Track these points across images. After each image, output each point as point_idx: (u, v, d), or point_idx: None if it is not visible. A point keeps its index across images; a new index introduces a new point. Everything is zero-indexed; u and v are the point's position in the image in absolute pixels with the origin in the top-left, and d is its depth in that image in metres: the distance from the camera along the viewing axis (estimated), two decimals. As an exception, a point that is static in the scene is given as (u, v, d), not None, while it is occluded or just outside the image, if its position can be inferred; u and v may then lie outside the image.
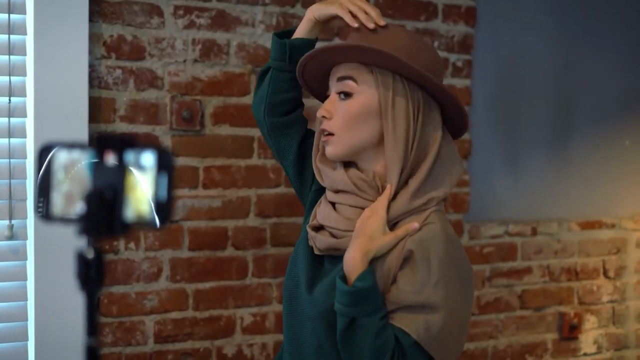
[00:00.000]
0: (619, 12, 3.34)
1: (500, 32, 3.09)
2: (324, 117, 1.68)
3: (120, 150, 1.08)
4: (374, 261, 1.59)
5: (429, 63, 1.66)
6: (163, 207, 1.06)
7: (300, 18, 2.67)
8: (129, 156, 1.08)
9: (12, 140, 2.32)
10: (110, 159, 1.08)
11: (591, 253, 3.30)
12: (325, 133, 1.68)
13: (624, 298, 3.39)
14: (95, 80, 2.45)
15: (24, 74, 2.33)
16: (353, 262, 1.56)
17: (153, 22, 2.52)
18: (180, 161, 2.56)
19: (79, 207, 1.06)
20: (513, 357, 3.16)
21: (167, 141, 2.54)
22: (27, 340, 2.38)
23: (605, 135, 3.33)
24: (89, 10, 2.40)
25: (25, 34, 2.33)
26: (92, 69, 2.43)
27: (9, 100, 2.31)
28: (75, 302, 2.39)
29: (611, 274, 3.35)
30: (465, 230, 3.03)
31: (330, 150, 1.69)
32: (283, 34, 1.85)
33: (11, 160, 2.32)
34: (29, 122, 2.34)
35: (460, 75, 3.00)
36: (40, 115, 2.32)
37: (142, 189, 1.07)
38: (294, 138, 1.85)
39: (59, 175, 1.10)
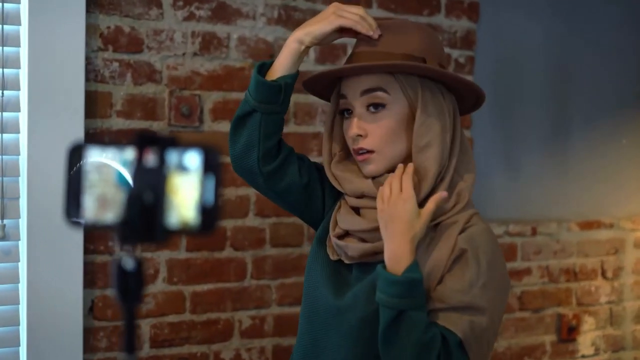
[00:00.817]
0: (621, 9, 3.29)
1: (502, 28, 3.03)
2: (359, 135, 1.59)
3: (162, 149, 0.99)
4: (419, 258, 1.52)
5: (440, 53, 1.64)
6: (210, 211, 0.97)
7: (303, 11, 2.60)
8: (172, 156, 0.99)
9: (5, 135, 2.21)
10: (151, 159, 0.99)
11: (590, 253, 3.25)
12: (363, 152, 1.60)
13: (621, 299, 3.34)
14: (91, 73, 2.34)
15: (18, 66, 2.22)
16: (401, 252, 1.47)
17: (152, 14, 2.42)
18: (178, 158, 2.46)
19: (116, 213, 0.96)
20: (512, 359, 3.10)
21: (164, 137, 2.44)
22: (19, 345, 2.27)
23: (602, 133, 3.28)
24: (86, 0, 2.29)
25: (19, 24, 2.22)
26: (88, 61, 2.33)
27: (2, 93, 2.20)
28: (69, 305, 2.29)
29: (609, 274, 3.30)
30: (465, 230, 2.96)
31: (371, 169, 1.61)
32: (261, 68, 1.65)
33: (3, 156, 2.21)
34: (22, 117, 2.23)
35: (462, 71, 2.93)
36: (34, 110, 2.22)
37: (186, 191, 0.98)
38: (293, 174, 1.70)
39: (92, 177, 1.01)
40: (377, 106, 1.58)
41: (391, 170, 1.60)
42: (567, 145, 3.20)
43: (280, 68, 1.63)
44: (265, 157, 1.65)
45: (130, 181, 0.98)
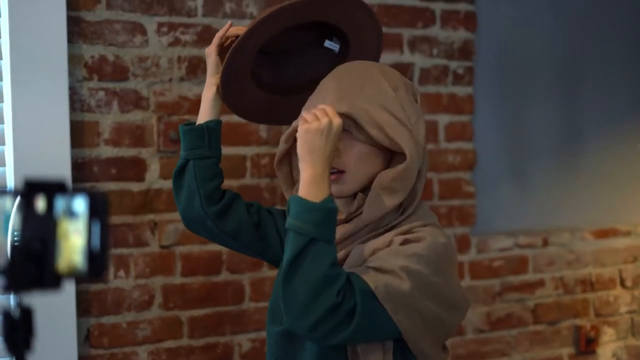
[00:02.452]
0: (627, 9, 3.21)
1: (502, 36, 2.98)
2: None
3: (50, 196, 0.98)
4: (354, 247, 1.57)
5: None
6: (97, 256, 0.96)
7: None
8: (60, 202, 0.98)
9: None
10: (39, 205, 0.98)
11: (606, 262, 3.17)
12: (334, 171, 1.59)
13: (643, 308, 3.26)
14: (77, 103, 2.35)
15: (1, 100, 2.24)
16: (315, 182, 1.47)
17: (136, 41, 2.42)
18: (170, 184, 2.44)
19: (2, 261, 0.95)
20: (528, 374, 3.04)
21: (154, 164, 2.44)
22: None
23: (615, 138, 3.20)
24: (68, 31, 2.31)
25: (1, 58, 2.24)
26: (73, 91, 2.34)
27: (-14, 128, 2.23)
28: (64, 334, 2.30)
29: (628, 283, 3.22)
30: (472, 243, 2.91)
31: (340, 189, 1.61)
32: (187, 125, 1.77)
33: (-10, 190, 2.23)
34: (8, 150, 2.25)
35: (461, 82, 2.88)
36: (20, 142, 2.23)
37: (73, 237, 0.97)
38: (241, 213, 1.76)
39: (-15, 225, 1.00)
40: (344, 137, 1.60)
41: (361, 191, 1.61)
42: (578, 150, 3.13)
43: (201, 117, 1.77)
44: (208, 200, 1.73)
45: (18, 228, 0.97)
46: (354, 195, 1.62)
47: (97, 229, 0.96)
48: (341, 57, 1.79)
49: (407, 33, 2.78)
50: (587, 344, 3.12)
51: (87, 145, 2.37)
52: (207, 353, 2.52)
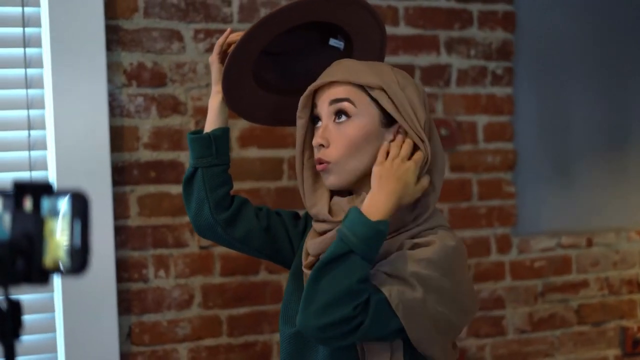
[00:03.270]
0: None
1: (543, 35, 2.96)
2: (321, 145, 1.63)
3: (37, 196, 1.04)
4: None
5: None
6: (78, 253, 1.02)
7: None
8: (46, 203, 1.04)
9: (34, 173, 2.33)
10: (27, 205, 1.04)
11: (655, 263, 3.13)
12: (322, 162, 1.63)
13: (694, 309, 3.20)
14: (116, 109, 2.44)
15: (43, 107, 2.34)
16: (383, 205, 1.52)
17: (173, 48, 2.50)
18: (208, 186, 2.52)
19: (-7, 257, 1.02)
20: (572, 375, 3.02)
21: (193, 167, 2.51)
22: (57, 372, 2.39)
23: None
24: (107, 39, 2.40)
25: (42, 67, 2.34)
26: (113, 97, 2.43)
27: (29, 133, 2.32)
28: (105, 332, 2.39)
29: (678, 284, 3.17)
30: (513, 244, 2.91)
31: (330, 181, 1.64)
32: (195, 133, 1.81)
33: (34, 193, 2.33)
34: (50, 155, 2.34)
35: (500, 83, 2.89)
36: (61, 148, 2.33)
37: (58, 235, 1.03)
38: (250, 219, 1.79)
39: (-21, 224, 1.07)
40: (341, 115, 1.61)
41: (354, 184, 1.64)
42: (623, 149, 3.10)
43: (208, 125, 1.79)
44: (217, 207, 1.76)
45: (8, 226, 1.04)
46: (358, 192, 1.65)
47: (78, 227, 1.02)
48: (346, 56, 1.81)
49: (443, 35, 2.80)
50: (633, 345, 3.08)
51: (127, 149, 2.45)
52: (246, 351, 2.58)
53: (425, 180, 1.60)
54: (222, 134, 1.78)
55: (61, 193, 1.04)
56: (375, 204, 1.52)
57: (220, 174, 1.77)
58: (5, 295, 1.03)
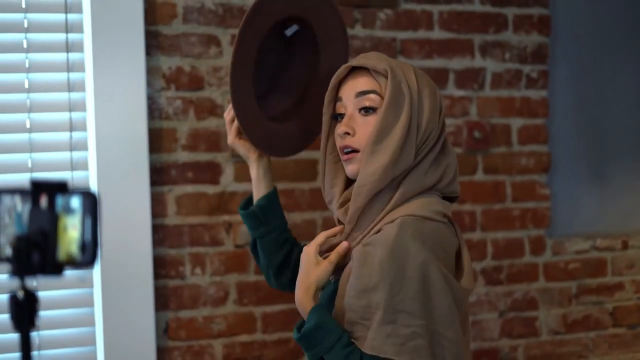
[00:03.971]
0: None
1: (579, 39, 2.98)
2: (346, 133, 1.67)
3: (52, 194, 1.12)
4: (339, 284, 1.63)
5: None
6: (89, 247, 1.10)
7: (361, 39, 2.68)
8: (60, 201, 1.12)
9: (75, 173, 2.43)
10: (43, 203, 1.12)
11: (692, 266, 3.12)
12: (348, 150, 1.67)
13: None
14: (155, 111, 2.53)
15: (84, 110, 2.44)
16: (301, 302, 1.62)
17: (211, 52, 2.58)
18: (244, 187, 2.60)
19: (9, 250, 1.10)
20: (606, 377, 3.03)
21: (229, 168, 2.59)
22: (96, 364, 2.48)
23: None
24: (146, 44, 2.49)
25: (84, 71, 2.44)
26: (152, 100, 2.52)
27: (70, 135, 2.43)
28: (143, 327, 2.47)
29: None
30: (547, 246, 2.93)
31: (353, 168, 1.68)
32: (246, 204, 1.92)
33: (76, 192, 2.43)
34: (91, 155, 2.44)
35: (535, 86, 2.91)
36: (102, 149, 2.42)
37: (71, 231, 1.11)
38: None
39: (5, 219, 1.15)
40: (369, 110, 1.66)
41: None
42: (662, 153, 3.10)
43: (255, 195, 1.90)
44: (279, 271, 1.91)
45: (26, 222, 1.12)
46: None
47: (89, 224, 1.10)
48: (314, 57, 1.91)
49: (478, 38, 2.83)
50: (670, 348, 3.08)
51: (165, 150, 2.54)
52: (280, 347, 2.65)
53: (333, 255, 1.66)
54: (267, 201, 1.87)
55: (74, 192, 1.12)
56: (298, 306, 1.64)
57: (276, 239, 1.88)
58: (22, 285, 1.11)
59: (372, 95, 1.66)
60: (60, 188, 1.12)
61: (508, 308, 2.90)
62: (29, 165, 2.41)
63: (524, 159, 2.91)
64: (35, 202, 1.12)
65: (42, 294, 2.38)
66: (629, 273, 3.04)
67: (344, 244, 1.65)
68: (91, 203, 1.10)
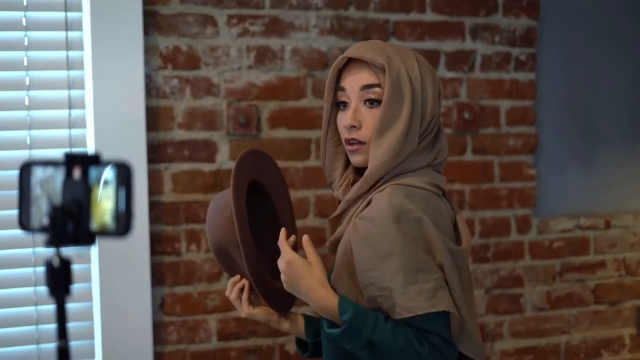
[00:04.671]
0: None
1: (568, 23, 3.04)
2: (353, 126, 1.70)
3: (85, 167, 1.16)
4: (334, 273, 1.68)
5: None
6: (123, 218, 1.14)
7: (355, 20, 2.73)
8: (93, 172, 1.16)
9: (73, 150, 2.46)
10: (76, 175, 1.16)
11: (672, 245, 3.21)
12: (354, 142, 1.71)
13: None
14: (153, 90, 2.56)
15: (83, 88, 2.47)
16: (322, 300, 1.64)
17: (207, 32, 2.61)
18: (239, 165, 2.64)
19: (45, 220, 1.14)
20: (588, 352, 3.11)
21: (224, 146, 2.63)
22: (94, 339, 2.52)
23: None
24: (144, 23, 2.51)
25: (83, 49, 2.46)
26: (149, 79, 2.55)
27: (69, 112, 2.45)
28: (139, 302, 2.51)
29: (695, 266, 3.25)
30: (533, 225, 3.01)
31: (359, 160, 1.72)
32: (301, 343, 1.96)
33: (75, 169, 2.46)
34: (89, 133, 2.47)
35: (524, 69, 2.97)
36: (99, 126, 2.45)
37: (105, 202, 1.15)
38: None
39: (36, 190, 1.19)
40: (374, 102, 1.69)
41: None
42: (645, 136, 3.18)
43: (298, 332, 1.94)
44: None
45: (61, 193, 1.16)
46: None
47: (122, 194, 1.14)
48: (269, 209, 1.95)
49: (469, 21, 2.89)
50: (650, 325, 3.17)
51: (162, 128, 2.58)
52: (273, 323, 2.70)
53: (308, 248, 1.73)
54: (315, 332, 1.90)
55: (107, 163, 1.16)
56: (322, 311, 1.65)
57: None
58: (57, 253, 1.15)
59: (376, 89, 1.69)
60: (93, 160, 1.16)
61: (494, 285, 2.97)
62: (28, 142, 2.44)
63: (512, 140, 2.97)
64: (68, 174, 1.16)
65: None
66: (610, 252, 3.12)
67: (305, 238, 1.73)
68: (125, 174, 1.14)
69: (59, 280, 1.15)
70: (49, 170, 1.18)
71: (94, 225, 1.15)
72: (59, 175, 1.17)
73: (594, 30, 3.09)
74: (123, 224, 1.14)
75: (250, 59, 2.66)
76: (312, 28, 2.72)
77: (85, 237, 1.16)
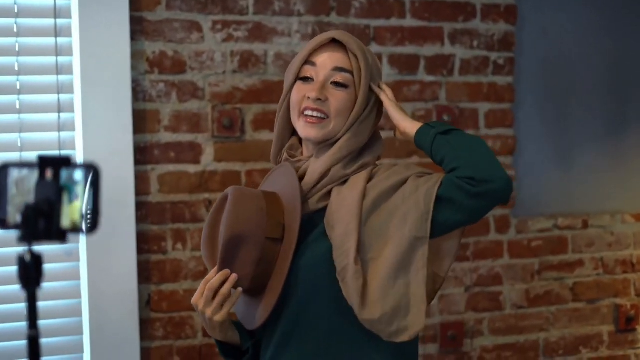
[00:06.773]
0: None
1: (545, 28, 3.13)
2: (319, 99, 1.74)
3: (57, 168, 1.25)
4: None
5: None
6: (90, 216, 1.23)
7: (336, 25, 2.81)
8: (64, 173, 1.24)
9: (63, 152, 2.55)
10: (49, 175, 1.25)
11: (649, 245, 3.29)
12: (317, 115, 1.75)
13: (688, 290, 3.36)
14: (140, 94, 2.65)
15: (72, 92, 2.56)
16: (407, 125, 1.82)
17: (193, 38, 2.70)
18: (223, 166, 2.73)
19: (18, 218, 1.22)
20: (567, 349, 3.19)
21: (209, 148, 2.72)
22: (82, 334, 2.60)
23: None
24: (131, 29, 2.60)
25: (72, 55, 2.55)
26: (136, 83, 2.64)
27: (59, 116, 2.54)
28: (126, 299, 2.60)
29: (672, 265, 3.33)
30: (512, 224, 3.09)
31: (315, 133, 1.76)
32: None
33: (64, 170, 2.55)
34: (78, 136, 2.56)
35: (501, 72, 3.06)
36: (88, 129, 2.54)
37: (75, 201, 1.24)
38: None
39: (12, 190, 1.27)
40: (340, 86, 1.77)
41: (328, 140, 1.78)
42: (624, 137, 3.26)
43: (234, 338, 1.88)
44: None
45: (34, 192, 1.25)
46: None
47: (91, 194, 1.23)
48: None
49: (448, 27, 2.97)
50: (627, 322, 3.25)
51: (149, 131, 2.66)
52: (257, 319, 2.78)
53: (385, 100, 1.84)
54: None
55: (77, 165, 1.24)
56: (412, 125, 1.81)
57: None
58: (29, 249, 1.23)
59: (346, 75, 1.77)
60: (64, 162, 1.25)
61: (474, 283, 3.05)
62: (19, 144, 2.52)
63: (491, 141, 3.05)
64: (41, 175, 1.24)
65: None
66: (588, 251, 3.20)
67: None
68: (93, 175, 1.23)
69: (30, 274, 1.23)
70: (24, 172, 1.27)
71: (65, 222, 1.24)
72: (33, 176, 1.26)
73: (570, 35, 3.17)
74: (91, 221, 1.23)
75: (234, 63, 2.74)
76: (294, 33, 2.80)
77: (56, 234, 1.24)
